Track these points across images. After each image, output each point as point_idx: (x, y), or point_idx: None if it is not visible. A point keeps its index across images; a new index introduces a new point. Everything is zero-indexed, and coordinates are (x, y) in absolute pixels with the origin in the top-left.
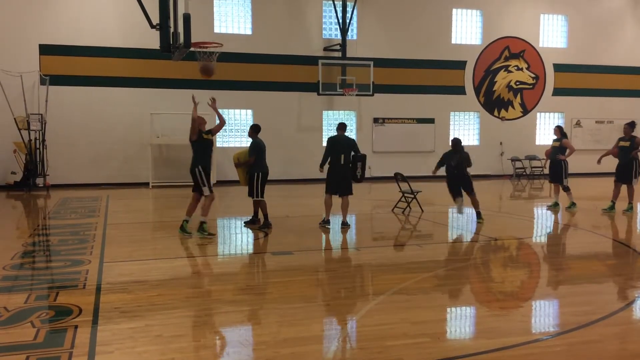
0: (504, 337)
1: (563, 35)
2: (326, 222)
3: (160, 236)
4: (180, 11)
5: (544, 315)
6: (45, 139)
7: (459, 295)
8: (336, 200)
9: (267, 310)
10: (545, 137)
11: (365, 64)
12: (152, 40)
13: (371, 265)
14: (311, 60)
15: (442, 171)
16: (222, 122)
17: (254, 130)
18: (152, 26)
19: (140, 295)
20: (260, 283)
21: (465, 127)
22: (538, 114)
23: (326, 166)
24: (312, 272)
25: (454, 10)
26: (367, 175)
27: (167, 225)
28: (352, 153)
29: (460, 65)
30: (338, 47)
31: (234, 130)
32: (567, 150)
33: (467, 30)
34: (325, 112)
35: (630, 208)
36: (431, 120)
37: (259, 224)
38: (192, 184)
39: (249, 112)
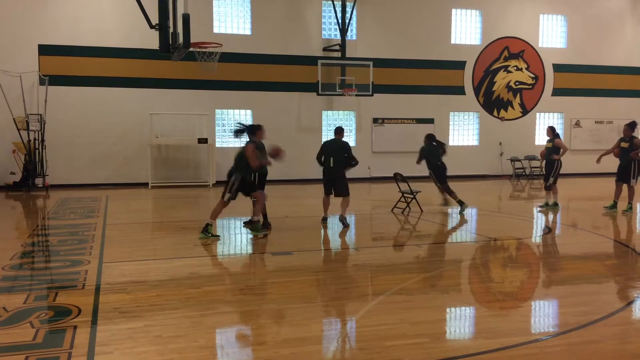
0: (503, 337)
1: (562, 36)
2: (324, 219)
3: (160, 236)
4: (180, 11)
5: (543, 315)
6: (45, 139)
7: (458, 296)
8: (338, 200)
9: (267, 310)
10: (545, 137)
11: (364, 64)
12: (151, 40)
13: (371, 266)
14: (311, 61)
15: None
16: (263, 162)
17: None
18: (152, 26)
19: (140, 295)
20: (260, 283)
21: (465, 127)
22: (537, 114)
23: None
24: (312, 272)
25: (454, 11)
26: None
27: (166, 226)
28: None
29: (460, 65)
30: (337, 48)
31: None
32: (561, 150)
33: (466, 30)
34: (324, 113)
35: (630, 208)
36: (430, 121)
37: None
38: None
39: (248, 112)
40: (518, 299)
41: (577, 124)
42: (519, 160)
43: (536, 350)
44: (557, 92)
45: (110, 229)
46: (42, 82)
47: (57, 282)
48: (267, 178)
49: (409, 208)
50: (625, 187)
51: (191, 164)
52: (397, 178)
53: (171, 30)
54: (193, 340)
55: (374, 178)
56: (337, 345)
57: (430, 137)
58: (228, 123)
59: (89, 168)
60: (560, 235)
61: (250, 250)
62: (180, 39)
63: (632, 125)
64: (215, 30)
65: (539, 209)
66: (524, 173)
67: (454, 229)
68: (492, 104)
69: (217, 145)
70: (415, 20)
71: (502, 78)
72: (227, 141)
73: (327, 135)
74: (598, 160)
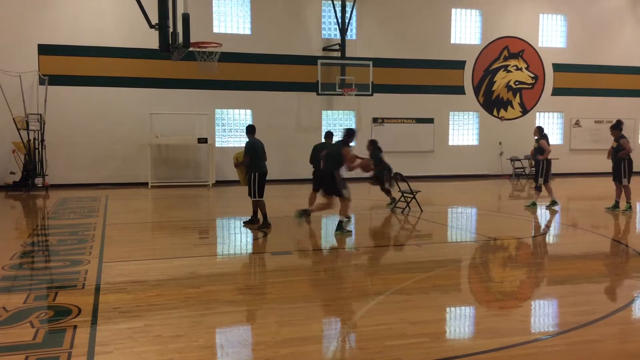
0: (503, 337)
1: (562, 35)
2: (305, 211)
3: (160, 236)
4: (180, 11)
5: (543, 315)
6: (44, 139)
7: (458, 295)
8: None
9: (267, 310)
10: None
11: (364, 63)
12: (151, 40)
13: (370, 265)
14: (310, 60)
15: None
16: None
17: (249, 130)
18: (151, 26)
19: (140, 295)
20: (260, 283)
21: (465, 127)
22: (537, 114)
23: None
24: (312, 272)
25: (453, 10)
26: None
27: (166, 226)
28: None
29: (460, 65)
30: (337, 47)
31: (233, 130)
32: (545, 152)
33: (466, 30)
34: (324, 112)
35: (629, 208)
36: (430, 120)
37: (258, 224)
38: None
39: (248, 112)
40: (518, 299)
41: (577, 123)
42: (519, 160)
43: (536, 350)
44: (556, 91)
45: (110, 228)
46: (41, 82)
47: (57, 281)
48: (268, 178)
49: (409, 208)
50: (605, 185)
51: (191, 163)
52: (397, 178)
53: (171, 29)
54: (193, 339)
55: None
56: (337, 345)
57: (373, 143)
58: (228, 123)
59: (88, 168)
60: (560, 235)
61: (250, 250)
62: (180, 39)
63: (615, 126)
64: (215, 29)
65: (528, 205)
66: (523, 173)
67: (454, 228)
68: (491, 103)
69: (217, 145)
70: (415, 20)
71: (501, 78)
72: (227, 141)
73: None
74: (608, 157)
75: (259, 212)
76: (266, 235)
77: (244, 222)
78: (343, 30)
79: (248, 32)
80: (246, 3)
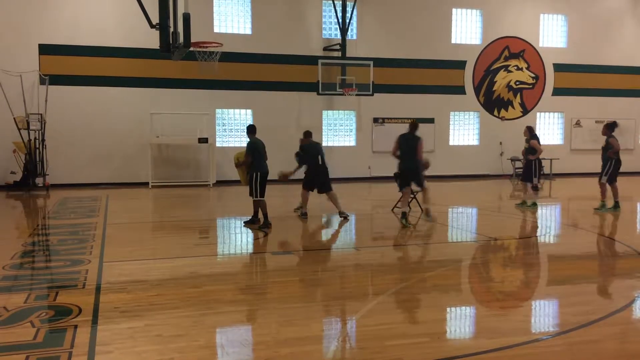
0: (503, 336)
1: (563, 35)
2: (305, 213)
3: (160, 236)
4: (180, 11)
5: (543, 315)
6: (45, 138)
7: (458, 295)
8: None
9: (267, 310)
10: (545, 137)
11: (365, 63)
12: (151, 39)
13: (371, 265)
14: (311, 60)
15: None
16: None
17: (250, 130)
18: (152, 26)
19: (140, 295)
20: (260, 283)
21: (465, 126)
22: (538, 114)
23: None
24: (312, 272)
25: (454, 10)
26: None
27: (166, 225)
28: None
29: (460, 65)
30: (338, 47)
31: (234, 130)
32: (537, 152)
33: (467, 30)
34: (325, 112)
35: (602, 206)
36: (431, 120)
37: (258, 224)
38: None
39: (249, 112)
40: (518, 299)
41: (578, 123)
42: (519, 160)
43: (536, 350)
44: (557, 91)
45: (111, 228)
46: (42, 82)
47: (58, 281)
48: (268, 178)
49: (409, 208)
50: (616, 185)
51: (191, 163)
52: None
53: (171, 29)
54: (193, 339)
55: (374, 178)
56: (337, 345)
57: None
58: (228, 123)
59: (89, 167)
60: (560, 235)
61: (250, 250)
62: (181, 39)
63: (607, 125)
64: (216, 29)
65: (527, 206)
66: None
67: (454, 228)
68: (492, 103)
69: (218, 144)
70: (416, 19)
71: (502, 78)
72: (228, 141)
73: (328, 134)
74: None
75: (259, 212)
76: (267, 235)
77: (244, 222)
78: (343, 30)
79: (248, 32)
80: (247, 3)
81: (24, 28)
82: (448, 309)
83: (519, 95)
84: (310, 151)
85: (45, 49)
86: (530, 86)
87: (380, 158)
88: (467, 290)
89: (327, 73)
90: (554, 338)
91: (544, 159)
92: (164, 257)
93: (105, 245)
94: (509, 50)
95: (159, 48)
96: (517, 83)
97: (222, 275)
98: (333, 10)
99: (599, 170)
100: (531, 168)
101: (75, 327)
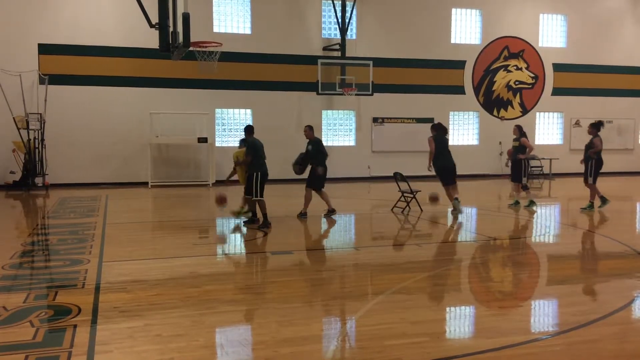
0: (503, 336)
1: (562, 35)
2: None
3: (160, 236)
4: (180, 10)
5: (543, 314)
6: (44, 138)
7: (458, 295)
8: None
9: (266, 309)
10: (544, 136)
11: (364, 63)
12: (151, 39)
13: (370, 265)
14: (310, 60)
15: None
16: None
17: (248, 130)
18: (152, 25)
19: (140, 294)
20: (260, 283)
21: (465, 126)
22: (537, 114)
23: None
24: (312, 272)
25: (454, 10)
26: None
27: (166, 225)
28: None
29: (460, 65)
30: (337, 47)
31: (233, 130)
32: (527, 150)
33: (466, 29)
34: (324, 112)
35: (589, 206)
36: (430, 120)
37: (258, 224)
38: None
39: (248, 111)
40: (517, 299)
41: (577, 123)
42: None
43: (536, 350)
44: (557, 91)
45: (110, 228)
46: (42, 82)
47: (57, 281)
48: (268, 178)
49: (409, 207)
50: (601, 184)
51: (191, 163)
52: (397, 177)
53: (171, 29)
54: (193, 339)
55: (374, 177)
56: (337, 345)
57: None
58: (228, 122)
59: (88, 167)
60: (559, 235)
61: (250, 250)
62: (180, 38)
63: (593, 125)
64: (215, 29)
65: (527, 206)
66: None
67: (454, 228)
68: (492, 103)
69: (217, 144)
70: (415, 19)
71: (502, 77)
72: (227, 140)
73: (327, 134)
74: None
75: (258, 211)
76: (266, 235)
77: (244, 222)
78: (343, 30)
79: (248, 31)
80: (246, 3)
81: (24, 28)
82: (447, 309)
83: (518, 95)
84: (321, 148)
85: (45, 49)
86: (530, 86)
87: (380, 158)
88: (467, 290)
89: (327, 73)
90: (553, 338)
91: (544, 158)
92: (163, 256)
93: (105, 245)
94: (508, 50)
95: (158, 48)
96: (517, 83)
97: (221, 274)
98: (333, 10)
99: (600, 171)
100: (521, 168)
101: (75, 326)
